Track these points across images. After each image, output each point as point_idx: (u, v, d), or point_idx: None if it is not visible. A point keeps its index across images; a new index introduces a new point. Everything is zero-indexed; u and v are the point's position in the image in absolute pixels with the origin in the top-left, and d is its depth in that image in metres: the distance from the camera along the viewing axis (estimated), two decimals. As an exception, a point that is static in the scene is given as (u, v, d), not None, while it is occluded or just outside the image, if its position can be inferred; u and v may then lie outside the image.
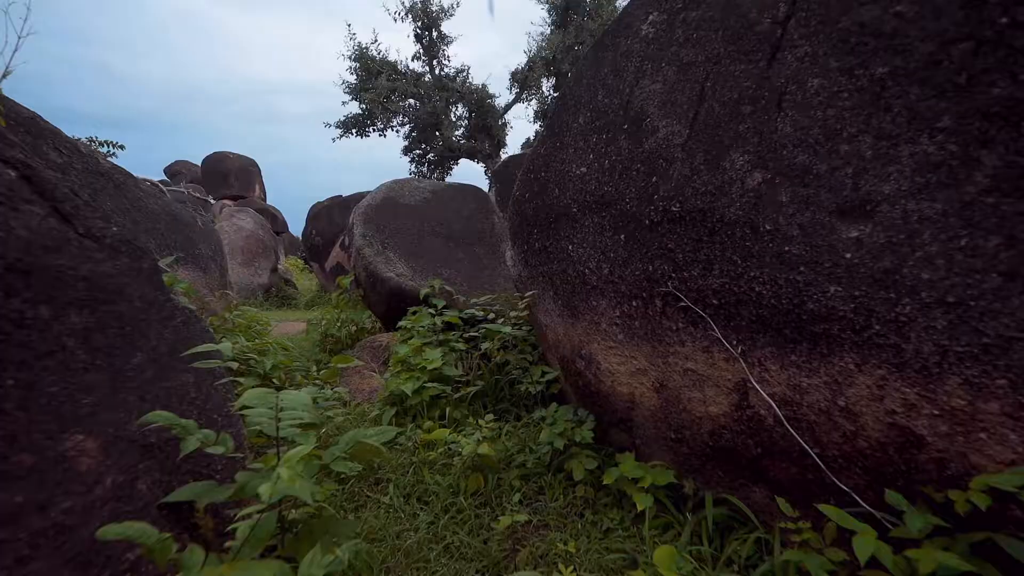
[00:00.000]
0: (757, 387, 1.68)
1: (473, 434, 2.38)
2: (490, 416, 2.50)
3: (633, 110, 2.18)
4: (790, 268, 1.57)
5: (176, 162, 24.57)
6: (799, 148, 1.59)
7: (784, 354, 1.61)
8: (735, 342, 1.74)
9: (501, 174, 5.82)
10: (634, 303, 2.12)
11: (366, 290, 4.68)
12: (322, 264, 11.50)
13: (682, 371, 1.97)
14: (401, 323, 3.92)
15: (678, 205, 1.90)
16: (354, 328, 4.73)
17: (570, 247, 2.41)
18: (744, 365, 1.71)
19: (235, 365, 3.09)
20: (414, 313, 4.15)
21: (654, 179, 2.01)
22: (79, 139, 10.74)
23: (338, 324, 4.58)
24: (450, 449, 2.45)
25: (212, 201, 14.75)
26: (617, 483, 2.09)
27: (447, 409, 2.91)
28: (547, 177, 2.59)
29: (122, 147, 11.55)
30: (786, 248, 1.58)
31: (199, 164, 22.82)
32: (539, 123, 16.25)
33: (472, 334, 3.59)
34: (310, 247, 11.70)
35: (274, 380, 2.99)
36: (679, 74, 2.03)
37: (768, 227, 1.63)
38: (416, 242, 4.74)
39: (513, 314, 3.19)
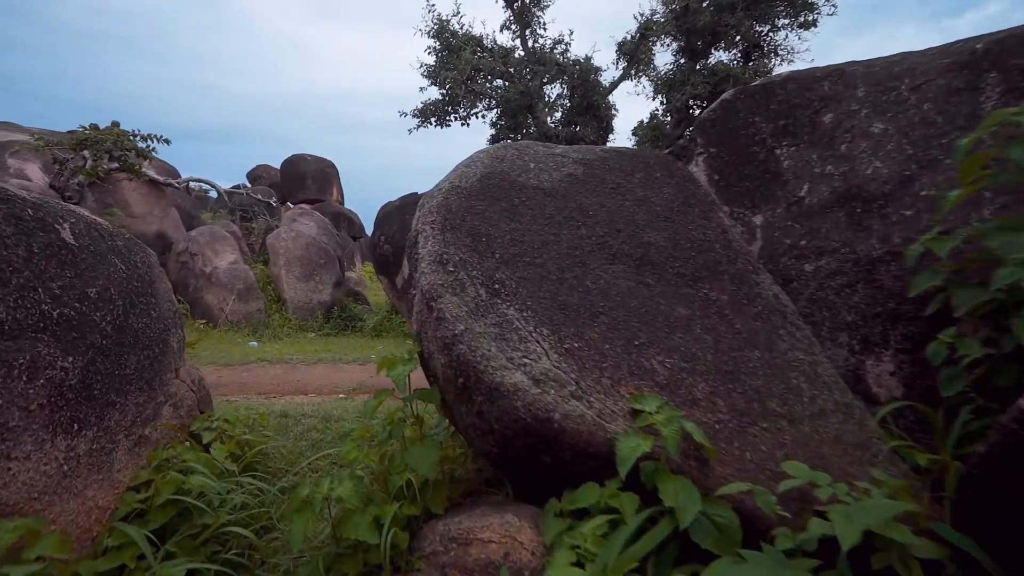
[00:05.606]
0: None
1: None
2: None
3: None
4: None
5: (257, 166, 24.20)
6: None
7: None
8: None
9: (720, 125, 2.83)
10: None
11: (447, 397, 1.91)
12: (392, 278, 9.13)
13: None
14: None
15: None
16: (419, 482, 1.98)
17: None
18: None
19: None
20: (585, 512, 1.33)
21: None
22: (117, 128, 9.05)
23: (377, 495, 1.84)
24: None
25: (274, 203, 13.09)
26: None
27: None
28: None
29: (167, 141, 9.83)
30: None
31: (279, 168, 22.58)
32: (660, 98, 12.98)
33: None
34: (378, 257, 9.38)
35: None
36: None
37: None
38: (570, 276, 1.90)
39: None
